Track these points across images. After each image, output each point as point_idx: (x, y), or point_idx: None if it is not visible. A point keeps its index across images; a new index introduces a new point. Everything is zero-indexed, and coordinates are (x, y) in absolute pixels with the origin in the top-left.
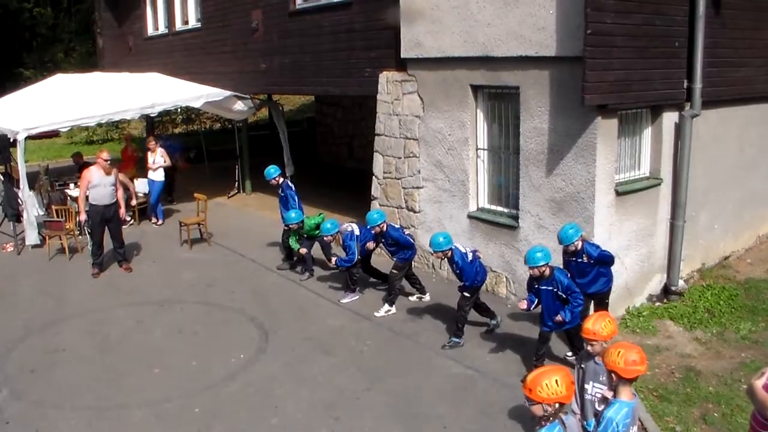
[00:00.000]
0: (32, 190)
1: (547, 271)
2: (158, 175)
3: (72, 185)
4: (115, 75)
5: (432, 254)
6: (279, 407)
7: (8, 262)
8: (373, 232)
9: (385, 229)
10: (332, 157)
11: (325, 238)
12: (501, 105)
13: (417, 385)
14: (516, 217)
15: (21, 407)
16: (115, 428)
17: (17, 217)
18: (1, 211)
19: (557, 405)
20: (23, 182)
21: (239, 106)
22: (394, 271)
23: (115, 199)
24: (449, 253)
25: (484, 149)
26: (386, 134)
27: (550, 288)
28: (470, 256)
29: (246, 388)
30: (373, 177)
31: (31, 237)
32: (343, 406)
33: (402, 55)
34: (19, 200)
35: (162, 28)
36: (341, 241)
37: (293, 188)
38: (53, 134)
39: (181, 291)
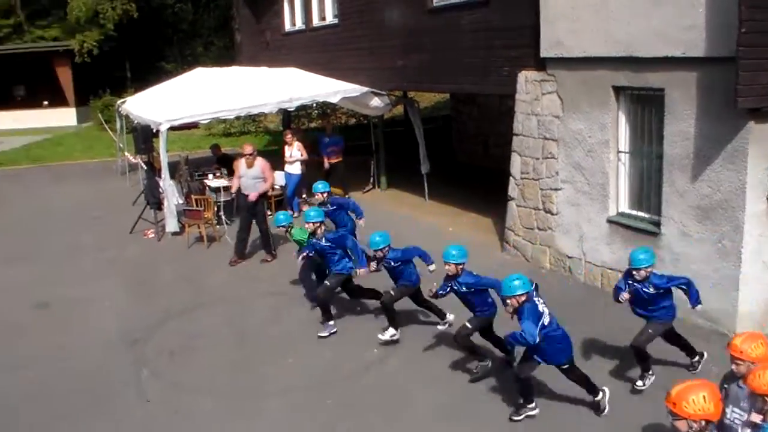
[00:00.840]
0: (173, 180)
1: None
2: (295, 168)
3: (210, 176)
4: (252, 69)
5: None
6: (410, 404)
7: (149, 248)
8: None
9: (386, 253)
10: (467, 155)
11: (306, 226)
12: (644, 107)
13: (545, 391)
14: (658, 224)
15: (160, 388)
16: (250, 414)
17: (158, 205)
18: (144, 198)
19: (703, 423)
20: (165, 172)
21: (376, 102)
22: (391, 293)
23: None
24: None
25: (625, 152)
26: (524, 134)
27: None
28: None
29: (378, 383)
30: (510, 177)
31: (171, 224)
32: (471, 407)
33: (541, 55)
34: (160, 189)
35: (299, 24)
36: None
37: (338, 207)
38: (192, 126)
39: None
